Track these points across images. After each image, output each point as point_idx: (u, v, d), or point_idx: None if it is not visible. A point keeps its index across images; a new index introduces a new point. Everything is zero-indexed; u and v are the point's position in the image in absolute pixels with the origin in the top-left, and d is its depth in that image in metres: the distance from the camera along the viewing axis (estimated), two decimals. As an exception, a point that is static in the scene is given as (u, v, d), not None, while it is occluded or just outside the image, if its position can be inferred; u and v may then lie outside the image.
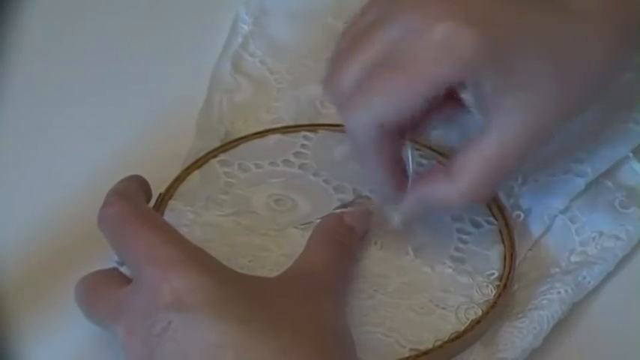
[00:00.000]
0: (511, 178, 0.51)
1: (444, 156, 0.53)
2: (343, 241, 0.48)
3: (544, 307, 0.48)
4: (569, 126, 0.49)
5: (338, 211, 0.50)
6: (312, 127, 0.55)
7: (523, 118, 0.45)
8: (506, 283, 0.48)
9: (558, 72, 0.45)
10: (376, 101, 0.45)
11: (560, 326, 0.48)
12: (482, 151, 0.46)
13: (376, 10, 0.47)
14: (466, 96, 0.46)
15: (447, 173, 0.47)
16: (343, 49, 0.47)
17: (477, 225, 0.51)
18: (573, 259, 0.51)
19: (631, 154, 0.54)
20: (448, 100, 0.47)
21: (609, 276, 0.50)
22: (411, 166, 0.48)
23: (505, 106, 0.45)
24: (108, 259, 0.46)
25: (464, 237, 0.50)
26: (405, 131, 0.48)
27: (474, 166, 0.46)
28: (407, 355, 0.46)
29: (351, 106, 0.46)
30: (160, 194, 0.50)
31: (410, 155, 0.48)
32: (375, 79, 0.45)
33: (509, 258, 0.50)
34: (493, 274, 0.49)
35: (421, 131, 0.50)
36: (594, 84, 0.47)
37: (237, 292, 0.42)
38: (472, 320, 0.47)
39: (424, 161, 0.53)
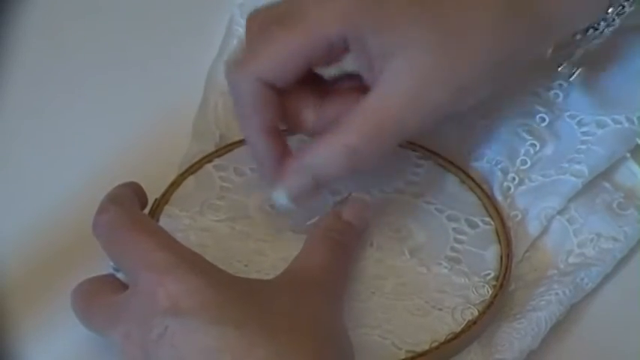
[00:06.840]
0: (396, 144, 0.48)
1: (441, 157, 0.53)
2: (341, 240, 0.47)
3: (542, 308, 0.48)
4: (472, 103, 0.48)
5: (335, 209, 0.49)
6: None
7: (404, 82, 0.45)
8: (502, 283, 0.48)
9: (443, 41, 0.45)
10: (256, 55, 0.46)
11: (558, 328, 0.48)
12: (365, 110, 0.46)
13: None
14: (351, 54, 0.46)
15: (329, 132, 0.46)
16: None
17: (472, 225, 0.51)
18: (571, 260, 0.51)
19: (628, 155, 0.54)
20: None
21: (607, 278, 0.50)
22: None
23: (389, 68, 0.45)
24: (105, 265, 0.46)
25: (460, 237, 0.50)
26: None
27: (356, 123, 0.46)
28: (403, 356, 0.46)
29: (235, 61, 0.47)
30: (156, 199, 0.50)
31: None
32: (261, 35, 0.46)
33: (506, 258, 0.49)
34: (489, 274, 0.49)
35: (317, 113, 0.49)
36: (486, 60, 0.46)
37: (233, 295, 0.42)
38: (468, 321, 0.47)
39: (422, 162, 0.53)
